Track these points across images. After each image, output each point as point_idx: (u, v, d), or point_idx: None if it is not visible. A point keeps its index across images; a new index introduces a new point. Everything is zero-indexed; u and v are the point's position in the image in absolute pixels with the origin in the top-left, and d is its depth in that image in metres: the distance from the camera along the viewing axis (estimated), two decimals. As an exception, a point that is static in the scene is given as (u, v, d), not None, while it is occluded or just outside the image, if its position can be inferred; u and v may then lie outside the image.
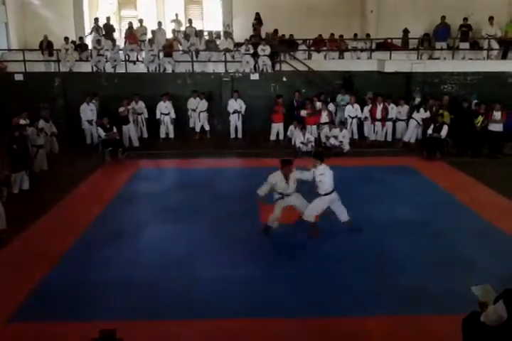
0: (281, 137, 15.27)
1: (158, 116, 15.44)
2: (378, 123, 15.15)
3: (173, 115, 15.56)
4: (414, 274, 6.80)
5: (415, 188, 10.70)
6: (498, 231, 8.23)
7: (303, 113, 14.81)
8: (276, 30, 18.20)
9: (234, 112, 15.71)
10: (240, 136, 15.89)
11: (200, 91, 15.90)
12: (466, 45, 18.04)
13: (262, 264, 7.13)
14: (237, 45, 17.45)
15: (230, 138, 15.78)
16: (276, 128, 15.23)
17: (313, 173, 7.86)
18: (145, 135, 15.64)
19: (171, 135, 15.69)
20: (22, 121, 11.82)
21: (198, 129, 16.00)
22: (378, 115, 15.03)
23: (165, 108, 15.43)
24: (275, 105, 15.25)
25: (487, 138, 13.54)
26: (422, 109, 14.57)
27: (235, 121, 15.84)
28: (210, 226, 8.59)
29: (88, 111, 14.84)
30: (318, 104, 15.05)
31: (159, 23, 18.44)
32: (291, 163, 7.88)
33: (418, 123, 14.47)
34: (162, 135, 15.62)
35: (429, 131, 13.30)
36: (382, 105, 14.99)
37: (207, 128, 16.09)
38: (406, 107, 15.14)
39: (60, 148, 13.46)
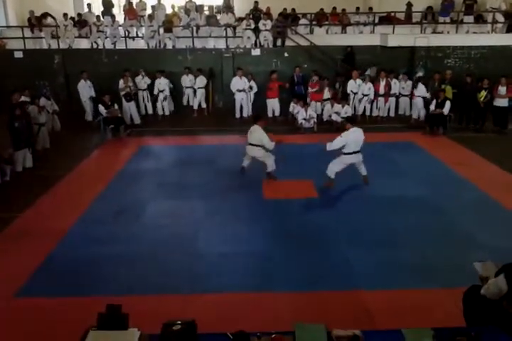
0: (276, 113, 15.19)
1: (155, 92, 15.37)
2: (381, 99, 15.03)
3: (167, 92, 15.47)
4: (414, 248, 6.85)
5: (417, 164, 10.70)
6: (499, 207, 8.26)
7: (311, 89, 14.85)
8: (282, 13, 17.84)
9: (239, 91, 15.25)
10: (244, 114, 15.46)
11: (196, 68, 15.71)
12: (470, 18, 17.76)
13: (265, 239, 7.20)
14: (239, 19, 17.21)
15: (234, 117, 15.37)
16: (271, 104, 15.12)
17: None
18: (150, 111, 15.59)
19: (166, 112, 15.61)
20: (23, 98, 11.75)
21: (196, 107, 15.87)
22: (381, 90, 14.90)
23: (159, 84, 15.33)
24: (269, 81, 15.09)
25: (492, 113, 13.45)
26: (419, 85, 14.43)
27: (240, 100, 15.37)
28: (213, 202, 8.64)
29: (87, 88, 14.77)
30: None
31: (158, -3, 18.16)
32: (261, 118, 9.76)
33: (424, 100, 14.34)
34: (159, 111, 15.59)
35: (432, 107, 13.20)
36: (385, 80, 14.84)
37: (204, 105, 15.96)
38: (409, 82, 14.99)
39: (61, 125, 13.45)
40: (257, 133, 9.31)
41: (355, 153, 8.88)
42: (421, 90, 14.35)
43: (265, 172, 9.65)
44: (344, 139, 8.72)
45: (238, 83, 15.22)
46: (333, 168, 9.00)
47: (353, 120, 9.30)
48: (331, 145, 8.75)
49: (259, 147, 9.38)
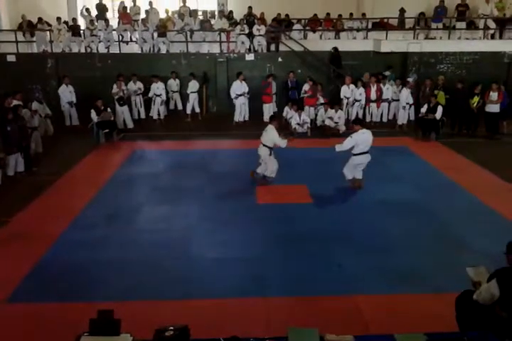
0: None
1: (150, 94, 15.33)
2: (373, 104, 15.07)
3: (164, 97, 15.49)
4: (407, 254, 6.87)
5: (410, 169, 10.74)
6: (491, 212, 8.30)
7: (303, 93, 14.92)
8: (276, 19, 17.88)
9: (240, 95, 15.19)
10: (241, 119, 15.42)
11: (189, 73, 15.74)
12: (462, 24, 17.89)
13: (258, 244, 7.19)
14: (234, 24, 17.23)
15: (232, 122, 15.28)
16: (268, 108, 15.17)
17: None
18: (142, 116, 15.56)
19: (162, 116, 15.59)
20: (15, 102, 11.68)
21: (189, 111, 15.86)
22: (372, 96, 14.94)
23: (156, 89, 15.32)
24: (266, 86, 15.11)
25: (484, 119, 13.53)
26: (403, 90, 14.57)
27: (240, 104, 15.29)
28: (206, 207, 8.63)
29: (67, 93, 14.72)
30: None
31: (150, 3, 18.11)
32: (275, 118, 10.09)
33: (407, 104, 14.49)
34: (154, 115, 15.51)
35: (422, 110, 13.23)
36: (376, 86, 14.90)
37: (197, 110, 15.95)
38: (400, 88, 15.02)
39: (54, 130, 13.41)
40: (269, 133, 9.44)
41: (364, 153, 9.15)
42: (402, 96, 14.57)
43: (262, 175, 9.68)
44: (354, 140, 9.00)
45: (239, 87, 15.20)
46: (348, 171, 9.32)
47: (361, 122, 9.76)
48: (341, 147, 9.08)
49: (266, 147, 9.48)
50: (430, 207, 8.53)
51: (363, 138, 9.06)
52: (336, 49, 16.32)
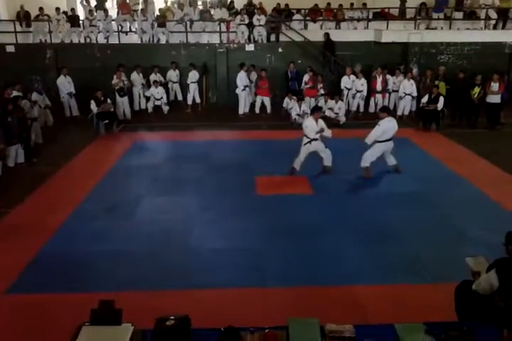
0: (268, 110, 15.17)
1: (148, 94, 15.09)
2: (379, 96, 14.98)
3: (165, 99, 15.19)
4: (407, 244, 6.88)
5: (410, 160, 10.70)
6: (490, 202, 8.31)
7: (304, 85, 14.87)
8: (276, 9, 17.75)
9: (246, 86, 15.11)
10: (246, 110, 15.38)
11: (189, 63, 15.69)
12: (461, 14, 17.76)
13: (258, 235, 7.20)
14: (235, 14, 17.12)
15: (237, 113, 15.17)
16: (260, 101, 15.10)
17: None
18: (143, 106, 15.48)
19: (165, 112, 15.42)
20: (14, 93, 11.65)
21: (189, 102, 15.81)
22: (379, 87, 14.86)
23: (157, 93, 14.98)
24: (259, 79, 15.04)
25: (485, 110, 13.49)
26: (405, 81, 14.48)
27: (245, 96, 15.18)
28: (207, 198, 8.63)
29: (66, 84, 14.64)
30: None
31: (147, -8, 17.99)
32: (320, 110, 10.14)
33: (409, 95, 14.44)
34: (149, 109, 15.26)
35: (423, 100, 13.18)
36: (381, 77, 14.81)
37: (198, 100, 15.90)
38: (401, 78, 14.96)
39: (54, 120, 13.37)
40: (306, 124, 9.45)
41: (387, 140, 9.37)
42: (403, 86, 14.49)
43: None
44: (382, 128, 9.28)
45: (245, 78, 15.10)
46: (368, 157, 9.42)
47: (388, 109, 10.08)
48: (370, 137, 9.33)
49: (305, 137, 9.41)
50: (431, 198, 8.53)
51: (389, 126, 9.32)
52: (328, 35, 16.21)
